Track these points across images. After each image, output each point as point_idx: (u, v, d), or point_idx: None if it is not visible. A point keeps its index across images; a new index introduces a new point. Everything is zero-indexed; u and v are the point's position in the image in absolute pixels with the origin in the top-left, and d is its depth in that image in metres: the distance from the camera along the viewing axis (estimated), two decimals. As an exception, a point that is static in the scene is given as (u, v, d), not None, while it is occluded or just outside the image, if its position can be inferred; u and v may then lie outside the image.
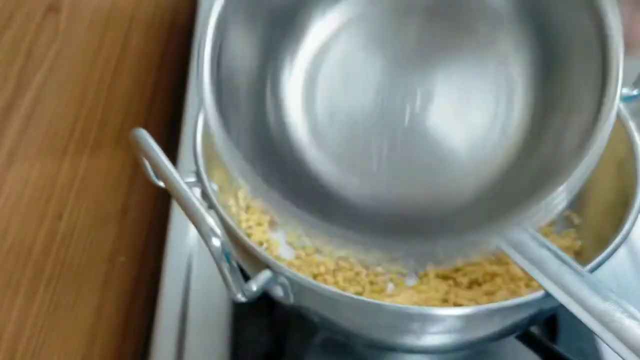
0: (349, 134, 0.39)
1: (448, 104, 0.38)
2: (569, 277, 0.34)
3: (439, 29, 0.38)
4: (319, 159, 0.38)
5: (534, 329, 0.47)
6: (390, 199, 0.38)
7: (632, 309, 0.32)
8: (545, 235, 0.48)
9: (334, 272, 0.47)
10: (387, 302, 0.40)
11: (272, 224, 0.50)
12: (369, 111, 0.38)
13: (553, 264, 0.35)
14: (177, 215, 0.57)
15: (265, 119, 0.38)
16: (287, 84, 0.39)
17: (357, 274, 0.46)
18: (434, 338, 0.39)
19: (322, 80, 0.39)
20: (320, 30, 0.39)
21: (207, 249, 0.33)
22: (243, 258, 0.40)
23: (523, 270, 0.36)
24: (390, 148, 0.38)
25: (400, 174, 0.38)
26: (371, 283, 0.47)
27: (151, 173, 0.41)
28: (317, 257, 0.48)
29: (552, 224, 0.49)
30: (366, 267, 0.46)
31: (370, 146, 0.38)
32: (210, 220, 0.33)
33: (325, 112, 0.39)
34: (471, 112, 0.38)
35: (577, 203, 0.49)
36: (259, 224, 0.50)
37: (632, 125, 0.44)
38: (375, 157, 0.38)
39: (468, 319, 0.37)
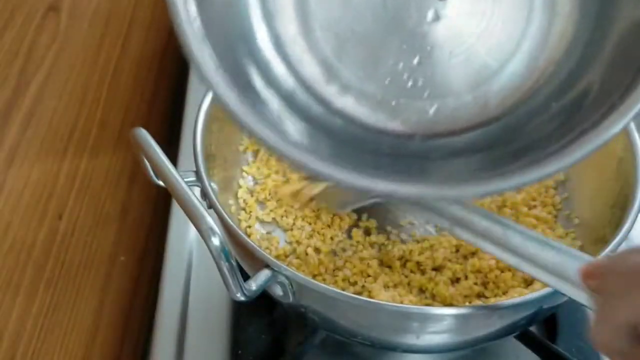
0: (366, 59, 0.34)
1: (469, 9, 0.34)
2: (515, 240, 0.34)
3: None
4: (341, 98, 0.34)
5: (534, 329, 0.47)
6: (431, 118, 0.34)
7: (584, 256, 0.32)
8: (544, 236, 0.48)
9: (333, 272, 0.47)
10: (386, 301, 0.41)
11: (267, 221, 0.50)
12: (383, 25, 0.33)
13: (496, 231, 0.35)
14: (177, 215, 0.57)
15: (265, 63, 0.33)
16: (277, 9, 0.34)
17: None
18: (433, 337, 0.39)
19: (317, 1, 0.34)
20: None
21: (206, 248, 0.33)
22: (242, 257, 0.40)
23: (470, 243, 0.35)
24: (417, 66, 0.33)
25: (435, 94, 0.34)
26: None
27: (151, 173, 0.41)
28: (316, 256, 0.48)
29: (552, 224, 0.49)
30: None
31: (395, 68, 0.33)
32: (210, 220, 0.33)
33: (332, 40, 0.34)
34: (499, 14, 0.33)
35: (577, 203, 0.49)
36: (259, 220, 0.50)
37: (632, 125, 0.44)
38: (404, 79, 0.33)
39: (467, 318, 0.37)
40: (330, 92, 0.34)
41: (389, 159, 0.33)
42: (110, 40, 0.65)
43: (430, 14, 0.33)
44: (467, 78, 0.34)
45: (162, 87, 0.77)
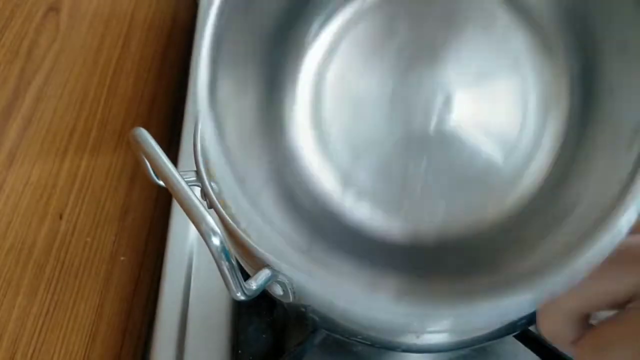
0: (380, 166, 0.35)
1: (470, 102, 0.35)
2: None
3: (436, 19, 0.35)
4: (357, 207, 0.35)
5: (534, 329, 0.47)
6: (441, 230, 0.35)
7: None
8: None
9: (333, 272, 0.47)
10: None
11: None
12: (393, 131, 0.35)
13: None
14: (177, 215, 0.57)
15: (284, 174, 0.35)
16: (294, 124, 0.36)
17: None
18: (433, 337, 0.39)
19: (331, 112, 0.36)
20: (315, 52, 0.36)
21: (207, 248, 0.33)
22: (243, 257, 0.40)
23: None
24: (426, 168, 0.35)
25: (445, 193, 0.35)
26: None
27: (151, 172, 0.41)
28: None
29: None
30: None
31: (406, 172, 0.35)
32: (210, 220, 0.33)
33: (347, 150, 0.35)
34: (498, 113, 0.35)
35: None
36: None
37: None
38: (415, 182, 0.35)
39: (467, 318, 0.37)
40: (346, 204, 0.35)
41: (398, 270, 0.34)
42: (111, 41, 0.65)
43: (435, 119, 0.35)
44: (472, 177, 0.35)
45: (162, 87, 0.77)
